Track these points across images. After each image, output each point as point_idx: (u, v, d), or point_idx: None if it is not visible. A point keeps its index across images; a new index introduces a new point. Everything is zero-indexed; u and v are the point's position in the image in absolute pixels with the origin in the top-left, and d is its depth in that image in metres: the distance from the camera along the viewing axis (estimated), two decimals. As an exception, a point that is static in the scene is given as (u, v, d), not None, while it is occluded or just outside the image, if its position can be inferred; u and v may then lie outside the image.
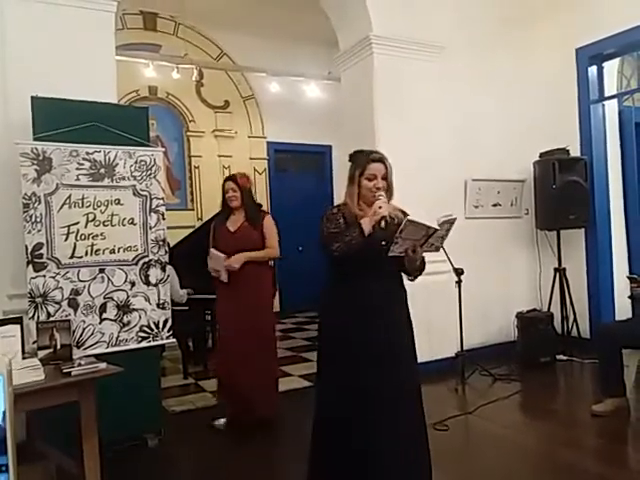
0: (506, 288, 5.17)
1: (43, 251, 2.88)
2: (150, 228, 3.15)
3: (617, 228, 5.17)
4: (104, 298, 3.04)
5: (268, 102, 7.62)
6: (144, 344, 3.13)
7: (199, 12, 6.76)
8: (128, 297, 3.11)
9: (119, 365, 2.38)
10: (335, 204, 2.36)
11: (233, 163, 7.48)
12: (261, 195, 7.62)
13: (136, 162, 3.17)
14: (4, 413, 0.91)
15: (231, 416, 3.48)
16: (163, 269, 3.23)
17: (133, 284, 3.13)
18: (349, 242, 2.11)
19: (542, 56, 5.29)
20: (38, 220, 2.88)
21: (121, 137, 3.14)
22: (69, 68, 3.33)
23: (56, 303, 2.90)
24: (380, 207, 2.10)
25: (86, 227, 2.99)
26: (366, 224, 2.12)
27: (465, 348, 4.30)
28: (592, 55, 5.04)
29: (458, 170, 4.86)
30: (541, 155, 5.06)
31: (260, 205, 3.71)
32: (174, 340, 3.36)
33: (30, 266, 2.85)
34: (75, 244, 2.96)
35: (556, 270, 5.03)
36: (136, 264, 3.14)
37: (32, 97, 2.96)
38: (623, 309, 4.84)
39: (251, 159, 7.68)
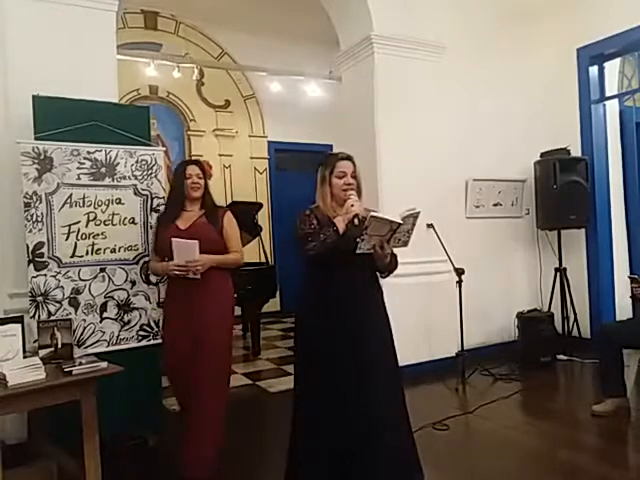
0: (507, 288, 5.17)
1: (44, 250, 2.88)
2: (151, 227, 3.14)
3: (618, 228, 5.17)
4: (105, 297, 3.04)
5: (269, 101, 7.62)
6: (144, 342, 3.14)
7: (200, 11, 6.77)
8: (129, 296, 3.11)
9: (120, 364, 2.38)
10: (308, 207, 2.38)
11: (234, 162, 7.50)
12: (262, 194, 7.63)
13: (137, 161, 3.18)
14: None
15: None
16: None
17: (134, 283, 3.13)
18: (324, 241, 2.15)
19: (543, 56, 5.29)
20: (39, 219, 2.88)
21: (122, 136, 3.14)
22: (70, 67, 3.33)
23: (57, 302, 2.90)
24: (352, 205, 2.16)
25: (87, 226, 3.00)
26: (340, 223, 2.17)
27: (466, 348, 4.31)
28: (593, 55, 5.04)
29: (459, 170, 4.86)
30: (542, 155, 5.05)
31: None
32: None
33: (31, 265, 2.85)
34: (76, 243, 2.96)
35: (557, 270, 5.03)
36: (137, 263, 3.14)
37: (33, 96, 2.96)
38: (624, 309, 4.84)
39: (252, 158, 7.68)
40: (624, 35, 4.68)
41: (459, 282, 4.20)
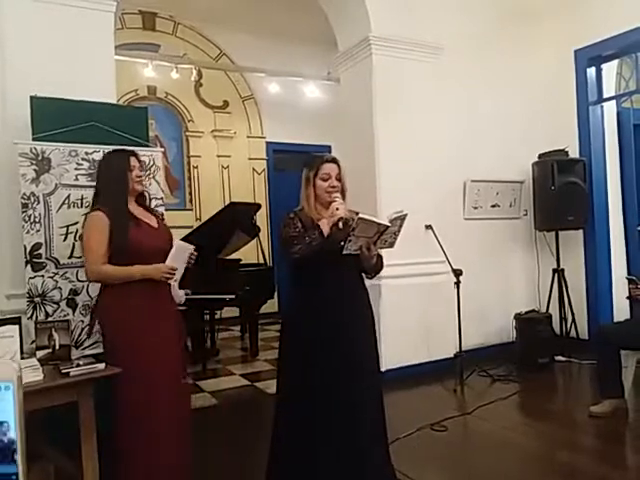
0: (505, 289, 5.18)
1: (42, 251, 2.88)
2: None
3: (615, 229, 5.18)
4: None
5: (267, 102, 7.62)
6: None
7: (198, 12, 6.76)
8: (127, 297, 3.09)
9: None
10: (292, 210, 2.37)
11: (232, 163, 7.50)
12: (260, 195, 7.63)
13: (135, 162, 3.16)
14: (15, 422, 0.90)
15: None
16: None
17: (131, 284, 3.11)
18: (309, 244, 2.14)
19: (541, 57, 5.30)
20: (37, 220, 2.87)
21: (120, 137, 3.13)
22: (68, 68, 3.31)
23: (55, 303, 2.89)
24: (337, 209, 2.16)
25: (85, 227, 2.99)
26: (324, 226, 2.16)
27: (464, 349, 4.31)
28: (591, 57, 5.05)
29: (457, 171, 4.86)
30: (540, 156, 5.06)
31: None
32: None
33: (29, 266, 2.85)
34: (74, 244, 2.95)
35: (555, 271, 5.03)
36: (134, 264, 3.13)
37: (31, 97, 2.95)
38: (621, 310, 4.85)
39: (250, 159, 7.69)
40: (622, 37, 4.69)
41: (457, 283, 4.21)
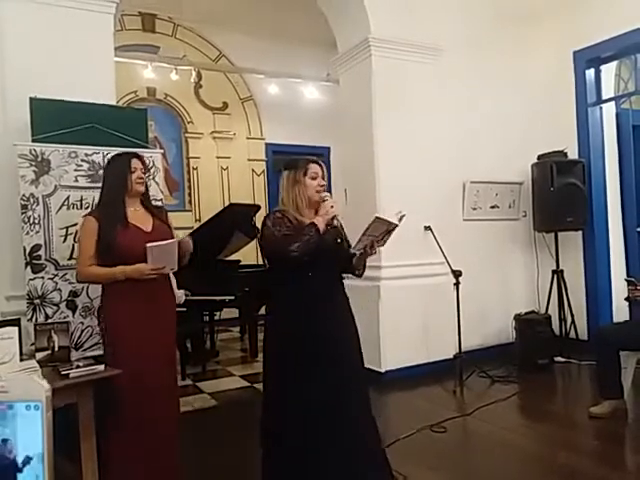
0: (504, 290, 5.18)
1: (41, 252, 2.88)
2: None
3: (615, 230, 5.18)
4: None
5: (266, 104, 7.63)
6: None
7: (198, 13, 6.77)
8: (126, 299, 3.09)
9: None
10: (273, 209, 2.36)
11: (231, 164, 7.50)
12: (259, 196, 7.64)
13: (135, 164, 3.16)
14: (43, 442, 0.91)
15: None
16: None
17: (131, 286, 3.11)
18: (308, 241, 2.13)
19: (540, 59, 5.31)
20: (36, 221, 2.88)
21: (120, 139, 3.14)
22: (68, 69, 3.32)
23: (54, 305, 2.90)
24: (332, 206, 2.19)
25: (84, 228, 2.99)
26: (320, 224, 2.16)
27: (463, 350, 4.31)
28: (590, 58, 5.06)
29: (456, 172, 4.87)
30: (539, 157, 5.07)
31: None
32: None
33: (28, 267, 2.85)
34: (73, 245, 2.95)
35: (554, 272, 5.03)
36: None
37: (31, 98, 2.96)
38: (621, 311, 4.85)
39: (249, 160, 7.69)
40: (620, 38, 4.70)
41: (456, 284, 4.21)
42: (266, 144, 7.80)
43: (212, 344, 5.66)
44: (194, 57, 7.00)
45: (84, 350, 2.91)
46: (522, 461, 2.92)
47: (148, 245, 2.35)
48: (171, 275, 2.64)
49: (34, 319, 2.80)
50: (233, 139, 7.55)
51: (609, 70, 5.23)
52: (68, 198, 2.97)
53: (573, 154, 5.08)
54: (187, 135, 7.25)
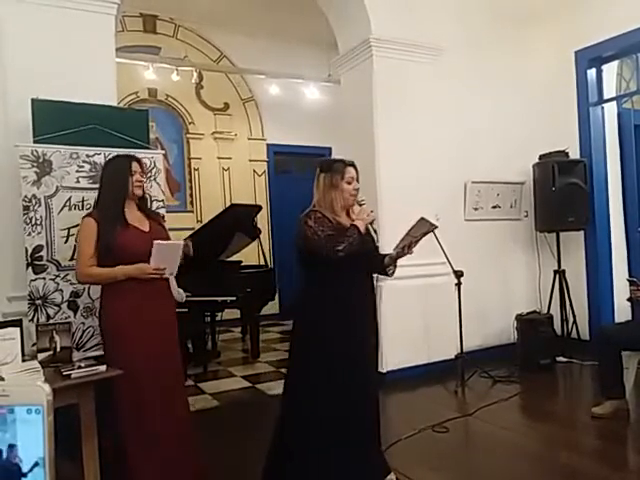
0: (506, 290, 5.17)
1: (43, 253, 2.88)
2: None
3: (616, 230, 5.18)
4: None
5: (268, 104, 7.63)
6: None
7: (199, 14, 6.78)
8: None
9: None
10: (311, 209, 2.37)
11: (233, 165, 7.51)
12: (261, 197, 7.64)
13: (136, 164, 3.17)
14: (44, 445, 0.91)
15: None
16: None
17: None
18: (351, 243, 2.20)
19: (541, 59, 5.31)
20: (38, 222, 2.88)
21: (121, 139, 3.14)
22: (69, 70, 3.32)
23: (56, 305, 2.90)
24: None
25: (86, 229, 2.99)
26: (361, 226, 2.24)
27: (465, 350, 4.30)
28: (591, 58, 5.05)
29: (458, 172, 4.87)
30: (540, 157, 5.06)
31: None
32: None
33: (30, 268, 2.85)
34: (75, 246, 2.95)
35: (556, 272, 5.03)
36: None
37: (32, 99, 2.96)
38: (623, 311, 4.84)
39: (250, 161, 7.69)
40: (622, 38, 4.69)
41: (458, 284, 4.20)
42: (267, 145, 7.80)
43: (213, 345, 5.67)
44: (195, 58, 7.01)
45: (85, 350, 2.92)
46: (524, 461, 2.91)
47: (156, 242, 2.39)
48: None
49: (36, 320, 2.80)
50: (234, 140, 7.55)
51: (611, 70, 5.22)
52: (70, 199, 2.97)
53: (575, 154, 5.08)
54: (188, 136, 7.26)
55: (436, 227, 2.35)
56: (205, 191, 7.28)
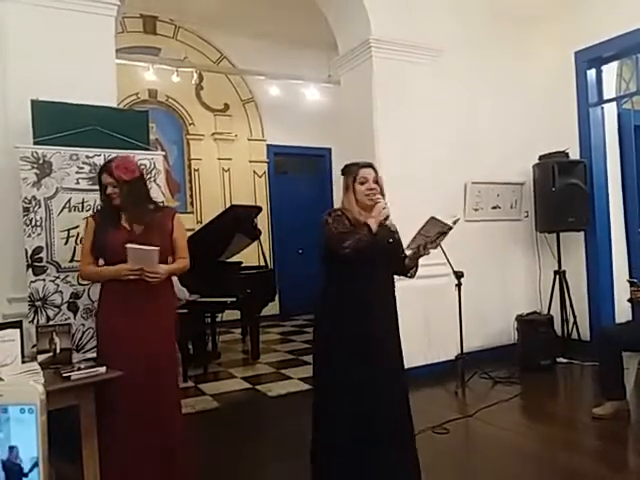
0: (506, 291, 5.17)
1: (43, 255, 2.88)
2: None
3: (617, 231, 5.18)
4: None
5: (268, 105, 7.64)
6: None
7: (199, 15, 6.78)
8: (127, 301, 3.09)
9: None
10: (333, 208, 2.47)
11: (233, 166, 7.51)
12: (261, 198, 7.65)
13: (136, 166, 3.17)
14: (38, 445, 0.91)
15: None
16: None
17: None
18: (359, 240, 2.23)
19: (541, 59, 5.31)
20: (38, 224, 2.88)
21: (121, 141, 3.14)
22: (69, 72, 3.32)
23: (56, 307, 2.90)
24: (384, 207, 2.28)
25: (86, 231, 2.99)
26: (372, 224, 2.27)
27: (465, 351, 4.30)
28: (591, 58, 5.05)
29: (458, 173, 4.86)
30: (540, 158, 5.06)
31: (153, 200, 2.71)
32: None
33: (30, 270, 2.85)
34: (75, 248, 2.95)
35: (556, 273, 5.03)
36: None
37: (32, 101, 2.96)
38: (623, 312, 4.84)
39: (251, 162, 7.70)
40: (622, 38, 4.69)
41: (458, 285, 4.20)
42: (267, 145, 7.81)
43: (214, 346, 5.67)
44: (195, 59, 7.01)
45: (85, 352, 2.91)
46: (524, 462, 2.91)
47: (127, 245, 2.40)
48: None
49: (36, 321, 2.80)
50: (234, 140, 7.56)
51: (611, 70, 5.23)
52: (69, 200, 2.97)
53: (575, 154, 5.08)
54: (188, 137, 7.26)
55: (450, 228, 2.33)
56: (205, 192, 7.28)
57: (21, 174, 2.85)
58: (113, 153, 3.05)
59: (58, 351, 2.46)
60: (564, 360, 4.72)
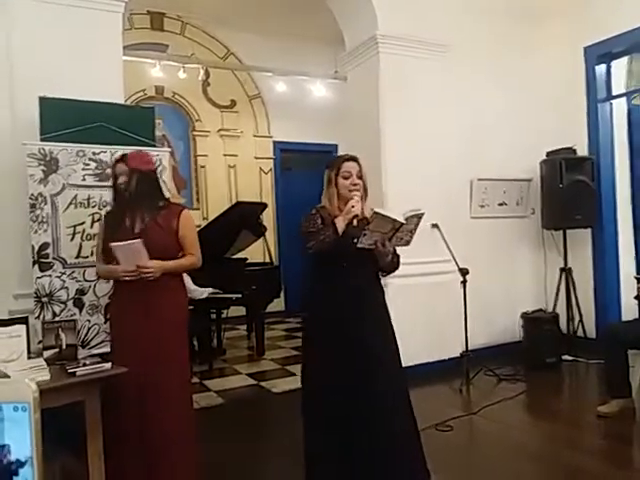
0: (511, 288, 5.15)
1: (49, 251, 2.90)
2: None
3: (624, 228, 5.13)
4: (109, 298, 3.04)
5: (274, 101, 7.62)
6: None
7: (206, 12, 6.78)
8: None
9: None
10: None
11: (239, 162, 7.52)
12: (267, 194, 7.65)
13: (142, 162, 3.18)
14: (32, 444, 0.92)
15: None
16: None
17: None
18: (322, 240, 2.20)
19: (550, 55, 5.26)
20: (44, 220, 2.90)
21: (127, 137, 3.16)
22: (76, 68, 3.34)
23: (62, 303, 2.92)
24: (353, 206, 2.21)
25: (92, 227, 3.01)
26: (340, 223, 2.22)
27: (470, 348, 4.29)
28: (600, 54, 5.00)
29: (464, 169, 4.84)
30: (548, 154, 5.03)
31: (164, 197, 2.70)
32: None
33: (36, 266, 2.88)
34: (81, 244, 2.98)
35: (562, 270, 5.00)
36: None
37: (39, 97, 2.98)
38: (629, 310, 4.81)
39: (257, 158, 7.70)
40: (632, 33, 4.64)
41: (463, 282, 4.19)
42: (274, 142, 7.80)
43: (219, 342, 5.69)
44: (202, 55, 7.01)
45: (91, 348, 2.94)
46: (529, 460, 2.91)
47: (111, 244, 2.38)
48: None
49: (42, 317, 2.83)
50: (240, 137, 7.56)
51: (620, 66, 5.17)
52: (76, 197, 2.99)
53: (582, 151, 5.04)
54: (195, 133, 7.27)
55: (402, 224, 2.14)
56: (211, 188, 7.29)
57: (28, 171, 2.88)
58: (119, 150, 3.07)
59: (64, 347, 2.48)
60: (569, 358, 4.70)
